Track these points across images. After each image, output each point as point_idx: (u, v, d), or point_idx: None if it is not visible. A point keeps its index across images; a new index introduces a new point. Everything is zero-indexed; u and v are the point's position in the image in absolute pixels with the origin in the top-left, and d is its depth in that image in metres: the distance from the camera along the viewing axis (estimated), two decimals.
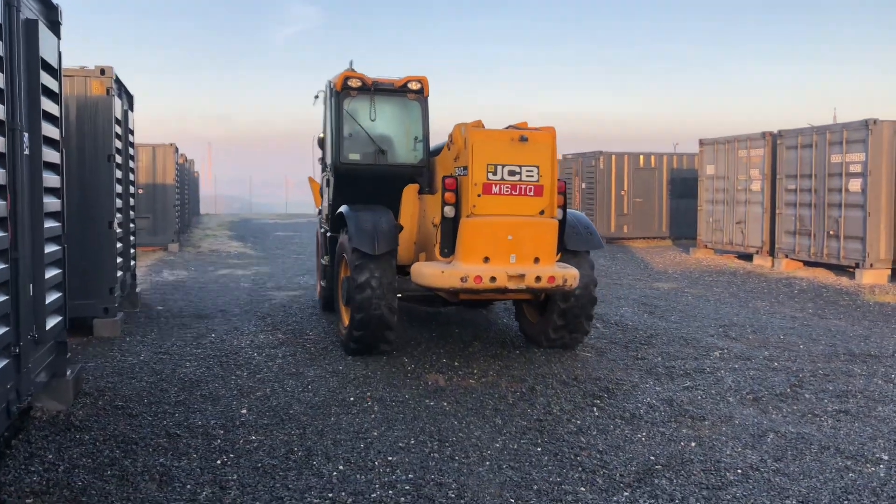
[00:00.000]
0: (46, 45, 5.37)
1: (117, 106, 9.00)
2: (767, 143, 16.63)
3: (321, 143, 9.55)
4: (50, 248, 5.49)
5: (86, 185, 8.51)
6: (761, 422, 5.56)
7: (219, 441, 5.09)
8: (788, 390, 6.42)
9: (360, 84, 8.36)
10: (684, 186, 22.35)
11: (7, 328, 4.41)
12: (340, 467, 4.65)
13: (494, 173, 7.00)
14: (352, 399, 6.09)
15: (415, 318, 9.62)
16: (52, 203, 5.56)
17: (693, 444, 5.10)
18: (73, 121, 8.49)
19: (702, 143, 19.03)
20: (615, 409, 5.88)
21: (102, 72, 8.57)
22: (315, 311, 10.23)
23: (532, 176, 7.05)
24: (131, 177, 10.52)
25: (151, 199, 20.40)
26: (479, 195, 6.99)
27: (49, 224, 5.47)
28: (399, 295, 7.77)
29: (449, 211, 7.19)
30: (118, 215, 9.15)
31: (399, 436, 5.22)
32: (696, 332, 8.95)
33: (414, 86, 8.48)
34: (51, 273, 5.51)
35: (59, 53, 5.88)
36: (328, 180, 8.96)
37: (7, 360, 4.41)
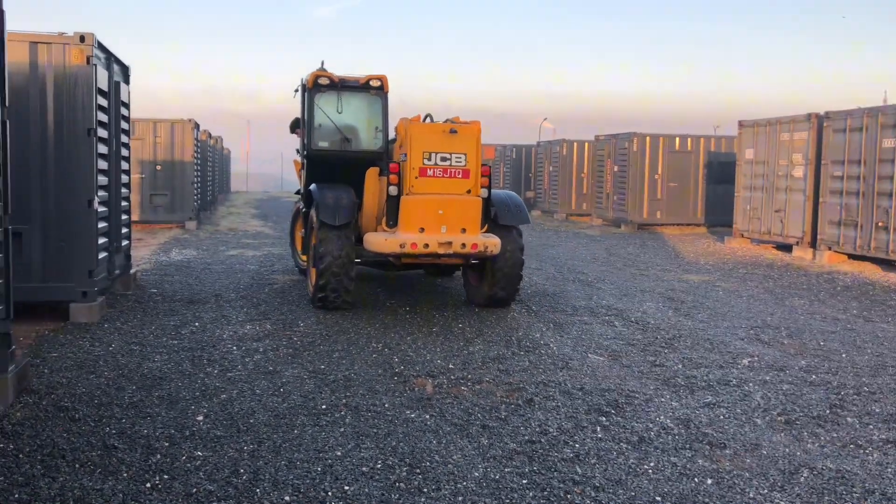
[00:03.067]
0: None
1: (102, 76, 8.37)
2: (812, 125, 15.47)
3: (292, 128, 10.57)
4: None
5: (63, 160, 7.92)
6: (794, 453, 4.73)
7: (158, 457, 4.44)
8: (827, 412, 5.55)
9: (328, 81, 9.41)
10: (722, 171, 21.20)
11: None
12: (286, 498, 3.96)
13: (429, 159, 8.27)
14: (324, 407, 5.40)
15: (419, 313, 8.90)
16: None
17: (709, 481, 4.29)
18: (51, 92, 7.88)
19: (741, 125, 17.90)
20: (621, 429, 5.09)
21: (82, 38, 7.92)
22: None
23: (460, 161, 8.33)
24: (125, 152, 9.95)
25: (169, 176, 19.94)
26: (416, 177, 8.27)
27: None
28: (358, 259, 8.84)
29: (393, 190, 8.44)
30: (102, 193, 8.58)
31: (365, 457, 4.52)
32: (724, 335, 8.09)
33: (375, 83, 9.49)
34: None
35: (2, 13, 5.23)
36: (303, 163, 9.94)
37: None
